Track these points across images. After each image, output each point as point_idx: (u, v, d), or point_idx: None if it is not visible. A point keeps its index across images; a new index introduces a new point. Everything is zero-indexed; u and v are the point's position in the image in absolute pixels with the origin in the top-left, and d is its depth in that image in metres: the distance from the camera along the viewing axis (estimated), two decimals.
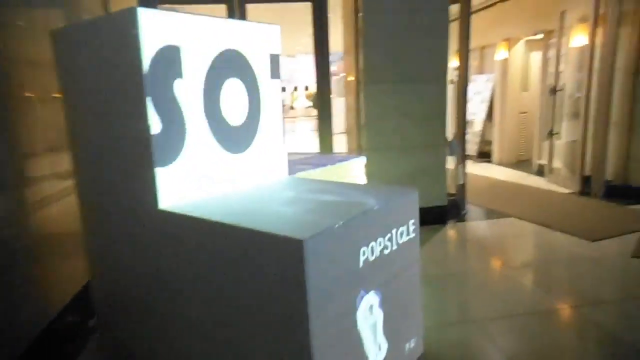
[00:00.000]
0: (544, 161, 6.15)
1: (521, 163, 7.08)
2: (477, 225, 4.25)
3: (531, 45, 7.08)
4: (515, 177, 6.12)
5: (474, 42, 4.57)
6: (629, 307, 2.50)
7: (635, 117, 4.64)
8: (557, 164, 5.64)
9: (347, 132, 4.90)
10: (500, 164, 7.18)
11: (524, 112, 7.24)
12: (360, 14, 3.92)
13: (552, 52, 6.03)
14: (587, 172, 5.00)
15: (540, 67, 6.34)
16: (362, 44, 3.90)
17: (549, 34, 6.11)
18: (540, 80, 6.25)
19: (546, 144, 5.92)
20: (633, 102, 4.62)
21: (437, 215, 4.14)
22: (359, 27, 3.99)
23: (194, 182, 1.63)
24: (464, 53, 4.33)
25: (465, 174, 4.33)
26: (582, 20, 5.24)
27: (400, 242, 1.63)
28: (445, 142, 4.14)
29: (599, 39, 4.72)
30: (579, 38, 5.28)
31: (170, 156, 1.54)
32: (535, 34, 6.50)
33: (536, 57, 7.04)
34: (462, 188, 4.43)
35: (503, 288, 2.81)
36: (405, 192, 1.71)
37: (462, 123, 4.37)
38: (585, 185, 4.99)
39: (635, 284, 2.80)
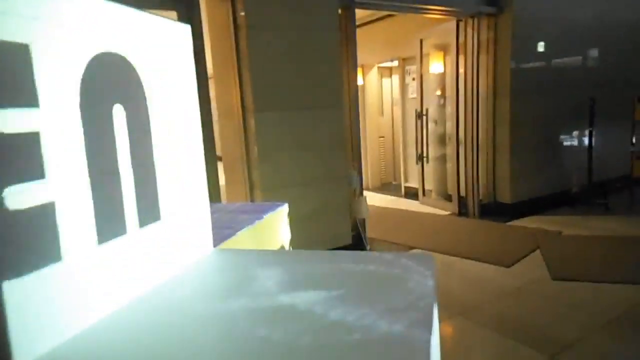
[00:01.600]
0: (412, 184, 6.25)
1: (385, 186, 7.14)
2: None
3: (382, 72, 7.30)
4: (390, 202, 6.05)
5: None
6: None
7: (497, 138, 4.93)
8: (429, 186, 5.75)
9: (226, 167, 4.04)
10: (366, 188, 7.12)
11: (382, 137, 7.38)
12: (241, 31, 3.20)
13: (409, 79, 6.23)
14: (462, 193, 5.14)
15: (399, 92, 6.49)
16: (247, 65, 3.18)
17: (403, 60, 6.31)
18: (400, 105, 6.39)
19: (415, 167, 6.02)
20: (494, 124, 4.91)
21: None
22: (239, 45, 3.26)
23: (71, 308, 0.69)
24: (350, 77, 3.96)
25: (367, 208, 3.92)
26: (438, 48, 5.49)
27: None
28: (346, 173, 3.68)
29: (461, 66, 4.92)
30: (436, 65, 5.50)
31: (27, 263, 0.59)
32: (392, 60, 6.68)
33: (386, 83, 7.28)
34: (363, 223, 4.01)
35: (477, 344, 2.38)
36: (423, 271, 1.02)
37: (358, 151, 3.97)
38: (460, 206, 5.13)
39: (586, 313, 2.68)
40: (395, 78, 6.79)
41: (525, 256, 3.64)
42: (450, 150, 5.35)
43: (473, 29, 4.78)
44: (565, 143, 5.29)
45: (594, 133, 4.96)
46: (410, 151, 6.25)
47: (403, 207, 5.70)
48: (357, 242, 3.90)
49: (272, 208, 2.16)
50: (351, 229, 3.84)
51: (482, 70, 4.83)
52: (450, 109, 5.17)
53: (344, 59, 3.80)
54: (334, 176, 3.59)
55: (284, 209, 2.23)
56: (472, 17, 4.74)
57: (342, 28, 3.73)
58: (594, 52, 5.52)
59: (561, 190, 5.26)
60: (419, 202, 5.85)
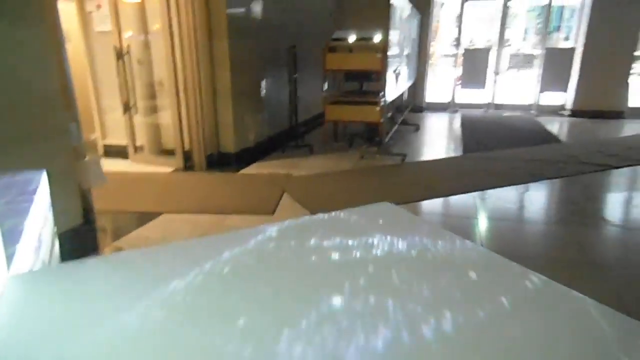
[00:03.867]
0: (113, 141, 5.13)
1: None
2: (133, 242, 2.98)
3: None
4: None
5: None
6: None
7: (217, 83, 4.58)
8: (140, 142, 4.85)
9: None
10: None
11: None
12: None
13: (91, 5, 4.88)
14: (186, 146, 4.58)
15: (79, 24, 5.00)
16: None
17: None
18: (83, 40, 4.96)
19: (115, 120, 4.92)
20: (213, 65, 4.52)
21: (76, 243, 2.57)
22: None
23: None
24: None
25: (101, 171, 2.84)
26: None
27: None
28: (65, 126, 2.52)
29: None
30: None
31: None
32: None
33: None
34: (88, 195, 2.91)
35: None
36: None
37: (72, 94, 2.77)
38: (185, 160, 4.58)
39: None
40: (70, 4, 5.20)
41: (279, 201, 3.59)
42: (164, 98, 4.62)
43: None
44: (274, 89, 5.49)
45: (297, 79, 5.35)
46: (107, 101, 5.05)
47: (112, 169, 4.60)
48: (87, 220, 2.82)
49: None
50: (81, 203, 2.72)
51: (197, 4, 4.26)
52: (162, 49, 4.38)
53: None
54: (48, 133, 2.38)
55: None
56: None
57: None
58: (294, 4, 5.90)
59: (274, 134, 5.51)
60: (130, 160, 4.88)
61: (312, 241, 0.99)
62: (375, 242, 0.99)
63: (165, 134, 4.84)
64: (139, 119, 4.79)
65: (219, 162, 4.72)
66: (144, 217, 3.26)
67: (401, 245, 0.98)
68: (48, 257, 1.16)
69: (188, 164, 4.59)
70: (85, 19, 4.93)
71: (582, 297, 0.76)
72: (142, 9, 4.55)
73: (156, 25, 4.44)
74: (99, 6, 4.83)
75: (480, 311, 0.72)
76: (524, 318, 0.71)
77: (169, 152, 4.71)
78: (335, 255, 0.92)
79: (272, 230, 1.04)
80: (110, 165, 4.78)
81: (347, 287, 0.79)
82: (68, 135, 2.61)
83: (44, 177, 1.24)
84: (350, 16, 7.91)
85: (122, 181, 4.13)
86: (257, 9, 4.91)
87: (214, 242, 1.02)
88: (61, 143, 2.51)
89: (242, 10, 4.65)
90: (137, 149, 4.86)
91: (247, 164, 4.78)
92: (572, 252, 2.77)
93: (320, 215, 1.19)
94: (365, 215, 1.17)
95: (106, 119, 5.15)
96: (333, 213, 1.20)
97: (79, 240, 2.63)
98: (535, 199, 3.88)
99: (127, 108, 4.68)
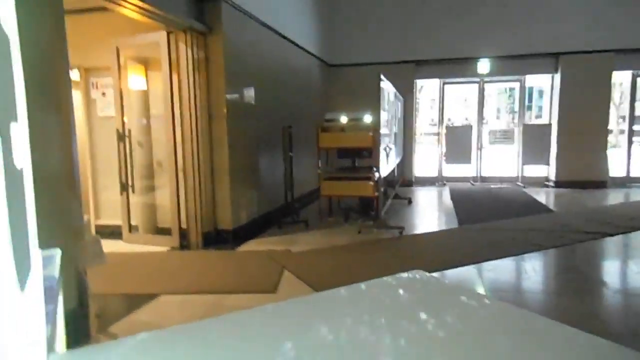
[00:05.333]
0: (107, 221, 5.03)
1: None
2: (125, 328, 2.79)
3: None
4: None
5: None
6: None
7: (215, 162, 4.63)
8: (135, 221, 4.76)
9: None
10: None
11: None
12: None
13: (96, 93, 5.06)
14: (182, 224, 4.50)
15: (83, 109, 5.13)
16: None
17: (86, 71, 5.08)
18: (86, 125, 5.06)
19: (110, 200, 4.87)
20: (211, 145, 4.59)
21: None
22: None
23: None
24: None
25: (101, 251, 2.73)
26: (139, 60, 4.72)
27: None
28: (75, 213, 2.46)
29: (174, 84, 4.36)
30: (137, 79, 4.70)
31: None
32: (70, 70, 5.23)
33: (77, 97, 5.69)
34: (84, 276, 2.77)
35: None
36: None
37: (77, 175, 2.74)
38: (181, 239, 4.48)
39: None
40: (75, 92, 5.37)
41: (280, 278, 3.47)
42: (162, 178, 4.62)
43: (186, 45, 4.34)
44: (269, 166, 5.56)
45: (292, 157, 5.45)
46: (104, 180, 5.04)
47: (105, 249, 4.44)
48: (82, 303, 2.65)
49: None
50: (76, 285, 2.57)
51: (199, 90, 4.44)
52: (163, 131, 4.47)
53: None
54: (54, 213, 2.32)
55: None
56: (184, 31, 4.32)
57: None
58: (287, 88, 6.20)
59: (270, 211, 5.48)
60: (123, 241, 4.74)
61: (345, 318, 0.92)
62: (416, 316, 0.93)
63: (161, 212, 4.78)
64: (135, 199, 4.74)
65: (216, 239, 4.62)
66: (140, 300, 3.09)
67: (448, 318, 0.91)
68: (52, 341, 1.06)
69: (184, 242, 4.48)
70: (89, 104, 5.08)
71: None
72: (145, 95, 4.72)
73: (158, 109, 4.57)
74: (103, 94, 5.00)
75: None
76: None
77: (165, 231, 4.61)
78: (376, 334, 0.85)
79: (288, 306, 0.96)
80: (104, 246, 4.63)
81: None
82: (69, 214, 2.54)
83: (58, 256, 1.18)
84: (341, 99, 8.33)
85: (116, 262, 3.97)
86: (254, 93, 5.13)
87: (229, 322, 0.93)
88: (62, 222, 2.43)
89: (240, 94, 4.84)
90: (131, 229, 4.75)
91: (244, 240, 4.68)
92: (589, 323, 2.66)
93: (347, 288, 1.13)
94: (398, 286, 1.11)
95: (100, 199, 5.10)
96: (363, 285, 1.13)
97: (72, 325, 2.44)
98: (539, 268, 3.82)
99: (124, 188, 4.65)
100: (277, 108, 5.84)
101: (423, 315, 0.91)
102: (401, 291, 1.07)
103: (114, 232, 4.88)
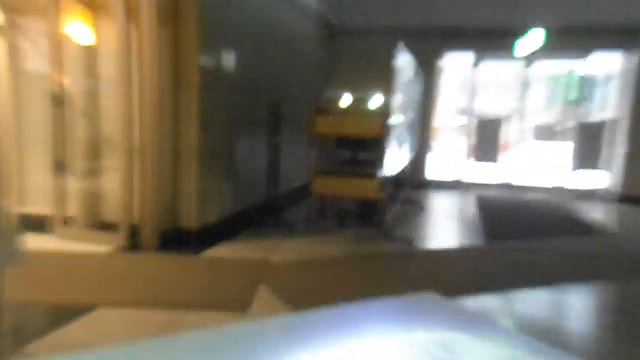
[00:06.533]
0: (34, 208, 4.99)
1: None
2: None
3: None
4: None
5: None
6: None
7: (180, 142, 4.61)
8: (73, 212, 4.74)
9: None
10: None
11: None
12: None
13: (25, 42, 4.97)
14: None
15: (6, 60, 5.06)
16: None
17: (14, 11, 4.98)
18: (12, 81, 4.99)
19: (43, 183, 4.83)
20: (178, 121, 4.57)
21: None
22: None
23: None
24: None
25: (16, 250, 2.70)
26: (84, 4, 4.64)
27: None
28: None
29: (133, 40, 4.33)
30: (83, 29, 4.63)
31: None
32: None
33: None
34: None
35: None
36: None
37: None
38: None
39: None
40: None
41: (254, 294, 3.46)
42: (111, 158, 4.59)
43: None
44: (250, 153, 5.55)
45: (280, 143, 5.45)
46: (32, 156, 4.98)
47: (30, 245, 4.41)
48: None
49: None
50: None
51: (164, 49, 4.41)
52: (116, 99, 4.43)
53: None
54: None
55: None
56: None
57: None
58: (279, 56, 6.19)
59: (247, 208, 5.48)
60: (55, 235, 4.71)
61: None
62: (424, 346, 0.92)
63: (107, 202, 4.75)
64: (73, 183, 4.70)
65: (176, 240, 4.60)
66: (71, 312, 3.05)
67: (463, 351, 0.91)
68: None
69: (134, 241, 4.46)
70: (15, 56, 5.00)
71: None
72: (92, 51, 4.67)
73: (109, 70, 4.53)
74: (34, 42, 4.92)
75: None
76: None
77: (110, 226, 4.58)
78: None
79: (261, 328, 0.96)
80: (27, 241, 4.60)
81: None
82: None
83: None
84: (345, 74, 8.32)
85: (43, 262, 3.95)
86: (235, 58, 5.10)
87: (183, 342, 0.92)
88: None
89: (217, 58, 4.82)
90: (66, 221, 4.71)
91: (212, 244, 4.69)
92: None
93: (338, 309, 1.12)
94: (404, 309, 1.11)
95: (27, 180, 5.04)
96: (358, 305, 1.13)
97: None
98: (587, 305, 3.84)
99: (59, 168, 4.61)
100: (264, 80, 5.83)
101: (432, 347, 0.90)
102: (407, 315, 1.06)
103: (42, 224, 4.84)
